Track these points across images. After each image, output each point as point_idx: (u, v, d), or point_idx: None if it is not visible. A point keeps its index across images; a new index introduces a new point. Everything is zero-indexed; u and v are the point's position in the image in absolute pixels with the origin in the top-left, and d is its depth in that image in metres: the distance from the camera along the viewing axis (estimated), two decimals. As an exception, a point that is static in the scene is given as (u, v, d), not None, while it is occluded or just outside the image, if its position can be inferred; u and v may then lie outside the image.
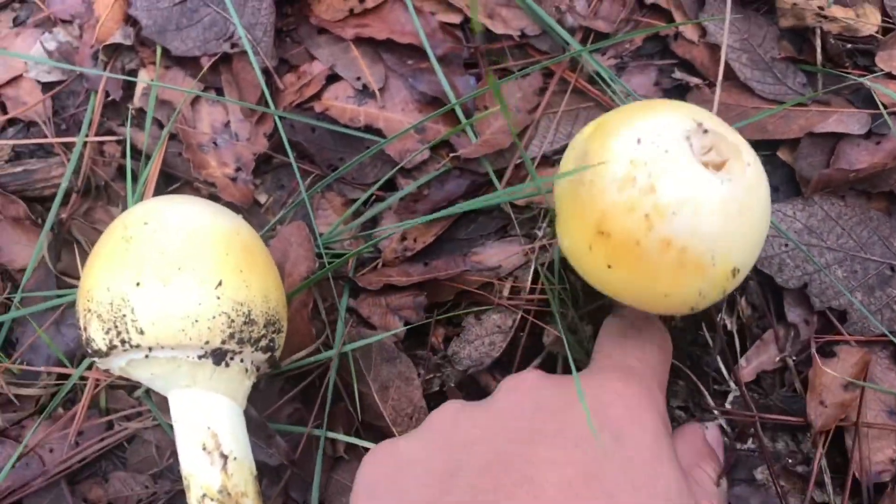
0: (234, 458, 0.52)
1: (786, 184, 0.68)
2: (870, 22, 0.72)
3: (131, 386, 0.65)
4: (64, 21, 0.78)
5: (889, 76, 0.69)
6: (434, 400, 0.64)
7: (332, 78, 0.74)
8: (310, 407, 0.62)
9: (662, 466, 0.46)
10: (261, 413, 0.60)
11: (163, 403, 0.62)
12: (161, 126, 0.73)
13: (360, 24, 0.74)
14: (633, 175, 0.46)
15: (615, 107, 0.69)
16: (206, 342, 0.51)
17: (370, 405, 0.62)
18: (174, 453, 0.61)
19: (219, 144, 0.72)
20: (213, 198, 0.69)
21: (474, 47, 0.72)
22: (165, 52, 0.74)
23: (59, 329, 0.66)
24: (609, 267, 0.48)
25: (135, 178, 0.70)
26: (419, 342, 0.66)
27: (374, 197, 0.70)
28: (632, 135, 0.47)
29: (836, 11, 0.71)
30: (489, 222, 0.68)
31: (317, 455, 0.61)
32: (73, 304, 0.65)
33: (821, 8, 0.71)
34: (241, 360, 0.54)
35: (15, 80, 0.77)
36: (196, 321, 0.50)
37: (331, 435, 0.61)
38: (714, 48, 0.71)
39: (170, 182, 0.72)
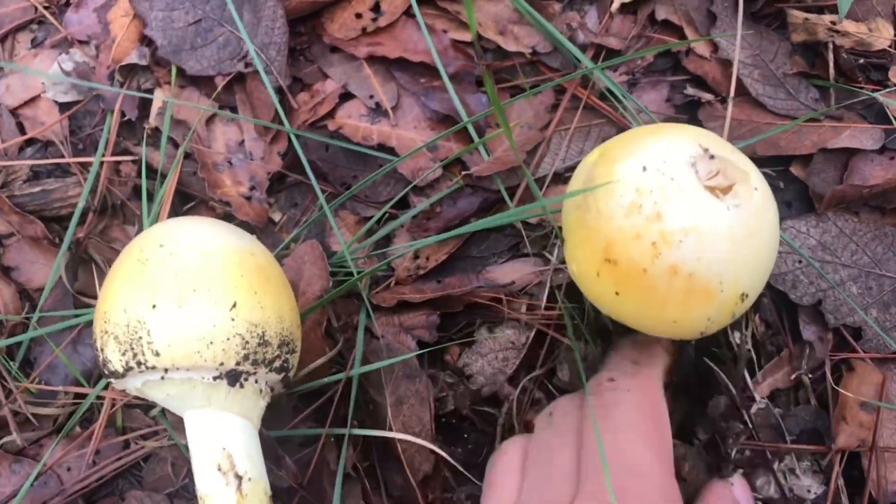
0: (249, 479, 0.52)
1: (799, 199, 0.68)
2: (882, 36, 0.71)
3: (147, 405, 0.65)
4: (81, 42, 0.79)
5: (902, 90, 0.69)
6: (446, 418, 0.64)
7: (346, 96, 0.74)
8: (323, 423, 0.63)
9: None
10: (274, 430, 0.60)
11: (178, 423, 0.62)
12: (176, 145, 0.74)
13: (373, 42, 0.75)
14: (639, 203, 0.46)
15: (627, 123, 0.69)
16: (221, 363, 0.51)
17: (381, 417, 0.62)
18: (190, 472, 0.61)
19: (233, 163, 0.73)
20: (228, 217, 0.70)
21: (485, 64, 0.73)
22: (180, 71, 0.74)
23: (76, 348, 0.67)
24: (617, 294, 0.48)
25: (150, 198, 0.71)
26: (431, 357, 0.66)
27: (387, 215, 0.70)
28: (637, 162, 0.47)
29: (849, 26, 0.71)
30: (502, 239, 0.69)
31: (324, 475, 0.61)
32: (89, 324, 0.65)
33: (833, 23, 0.71)
34: (256, 381, 0.54)
35: (33, 100, 0.78)
36: (211, 343, 0.51)
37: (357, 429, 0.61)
38: (726, 64, 0.71)
39: (185, 201, 0.73)
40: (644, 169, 0.47)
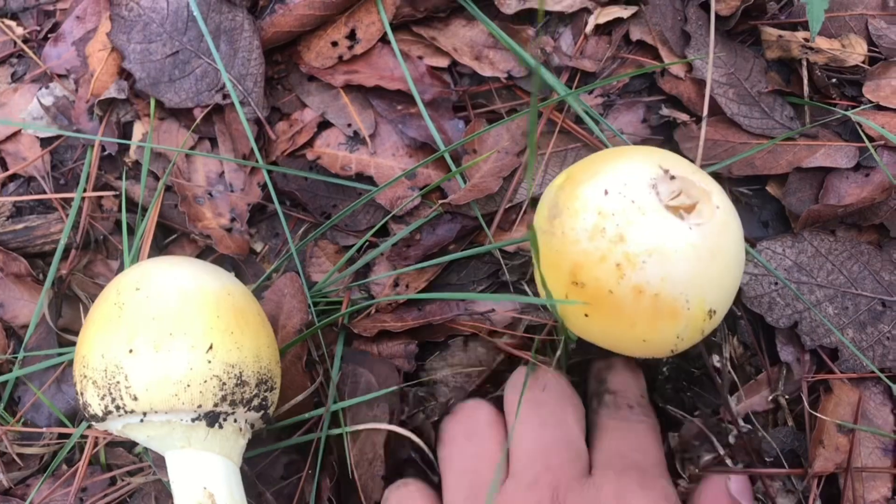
0: (230, 518, 0.53)
1: (776, 219, 0.68)
2: (856, 52, 0.71)
3: (131, 443, 0.66)
4: (60, 76, 0.79)
5: (877, 107, 0.69)
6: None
7: (324, 125, 0.75)
8: (305, 456, 0.63)
9: None
10: (254, 467, 0.61)
11: (161, 461, 0.63)
12: (157, 178, 0.74)
13: (349, 70, 0.75)
14: (602, 226, 0.47)
15: (602, 147, 0.69)
16: (199, 405, 0.52)
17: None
18: (175, 507, 0.62)
19: (213, 195, 0.73)
20: (210, 249, 0.71)
21: (462, 90, 0.73)
22: (159, 103, 0.75)
23: (60, 387, 0.68)
24: (586, 315, 0.48)
25: (132, 232, 0.72)
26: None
27: (367, 244, 0.71)
28: (599, 186, 0.48)
29: (822, 43, 0.71)
30: (481, 266, 0.69)
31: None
32: (73, 363, 0.66)
33: (806, 39, 0.71)
34: (235, 420, 0.55)
35: (15, 135, 0.78)
36: (188, 386, 0.51)
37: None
38: (701, 83, 0.71)
39: (167, 234, 0.73)
40: (606, 192, 0.48)
